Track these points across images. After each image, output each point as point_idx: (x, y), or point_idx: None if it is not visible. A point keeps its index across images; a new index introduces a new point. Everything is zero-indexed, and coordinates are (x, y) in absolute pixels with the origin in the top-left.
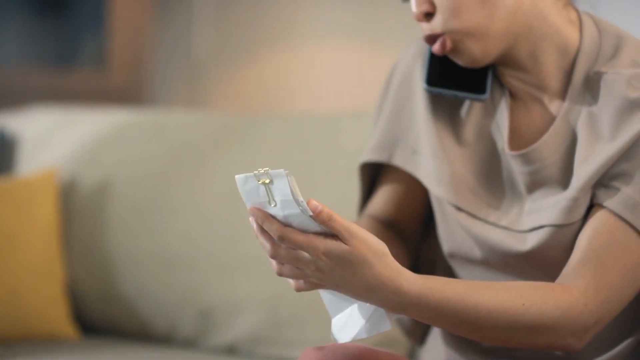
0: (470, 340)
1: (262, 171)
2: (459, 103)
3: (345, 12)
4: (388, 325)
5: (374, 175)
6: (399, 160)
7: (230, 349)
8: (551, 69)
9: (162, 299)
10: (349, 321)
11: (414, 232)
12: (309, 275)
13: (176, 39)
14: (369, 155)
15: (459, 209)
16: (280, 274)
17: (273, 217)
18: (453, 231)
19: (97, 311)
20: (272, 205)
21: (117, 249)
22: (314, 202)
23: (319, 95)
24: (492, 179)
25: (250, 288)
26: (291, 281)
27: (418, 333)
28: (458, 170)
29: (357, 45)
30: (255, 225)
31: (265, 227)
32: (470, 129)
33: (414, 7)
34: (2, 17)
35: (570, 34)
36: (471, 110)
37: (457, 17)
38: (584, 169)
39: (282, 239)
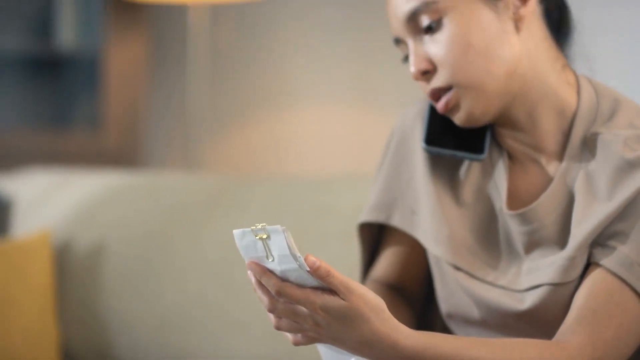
0: None
1: (260, 227)
2: (458, 163)
3: (339, 74)
4: None
5: (375, 235)
6: (397, 221)
7: None
8: (549, 130)
9: None
10: None
11: (418, 294)
12: (307, 330)
13: (171, 101)
14: (368, 215)
15: (457, 268)
16: (278, 328)
17: (271, 271)
18: (451, 291)
19: None
20: (270, 260)
21: (112, 310)
22: (312, 258)
23: (313, 157)
24: (490, 239)
25: (245, 350)
26: (289, 335)
27: None
28: (456, 230)
29: (350, 108)
30: (253, 280)
31: (263, 282)
32: (468, 189)
33: (412, 66)
34: None
35: (568, 96)
36: (470, 170)
37: (460, 71)
38: (581, 229)
39: (279, 293)
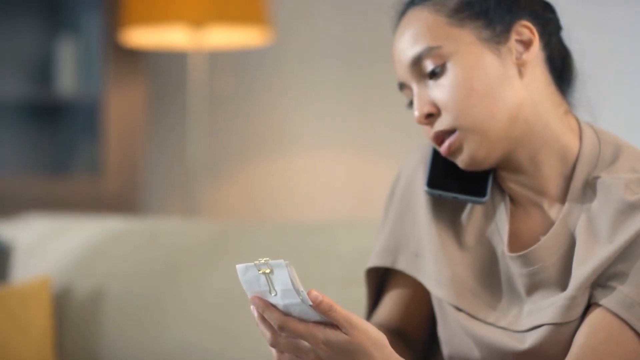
0: None
1: (263, 261)
2: (461, 207)
3: (337, 120)
4: None
5: (381, 280)
6: (402, 265)
7: None
8: (551, 175)
9: None
10: None
11: (421, 337)
12: None
13: (169, 147)
14: (375, 260)
15: (458, 309)
16: None
17: (273, 306)
18: (453, 332)
19: None
20: (273, 295)
21: (111, 357)
22: (315, 292)
23: (311, 202)
24: (492, 281)
25: None
26: None
27: None
28: (459, 273)
29: (348, 154)
30: (255, 314)
31: (266, 316)
32: (471, 232)
33: (415, 110)
34: None
35: (570, 141)
36: (472, 213)
37: (464, 115)
38: (582, 270)
39: (282, 328)
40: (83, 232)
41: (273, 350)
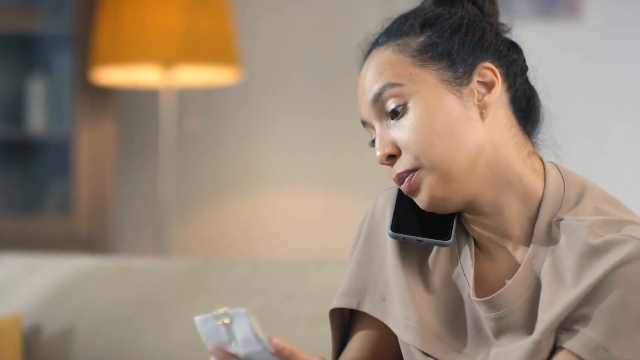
0: None
1: (222, 311)
2: (427, 250)
3: (307, 157)
4: None
5: (347, 320)
6: (368, 307)
7: None
8: (515, 217)
9: None
10: None
11: None
12: None
13: (140, 185)
14: (339, 301)
15: (426, 354)
16: None
17: (234, 356)
18: None
19: None
20: (233, 345)
21: None
22: (275, 340)
23: (281, 240)
24: (458, 325)
25: None
26: None
27: None
28: (425, 317)
29: (319, 192)
30: None
31: None
32: (437, 275)
33: (377, 150)
34: None
35: (534, 183)
36: (438, 257)
37: (424, 154)
38: (548, 314)
39: None
40: (53, 270)
41: None
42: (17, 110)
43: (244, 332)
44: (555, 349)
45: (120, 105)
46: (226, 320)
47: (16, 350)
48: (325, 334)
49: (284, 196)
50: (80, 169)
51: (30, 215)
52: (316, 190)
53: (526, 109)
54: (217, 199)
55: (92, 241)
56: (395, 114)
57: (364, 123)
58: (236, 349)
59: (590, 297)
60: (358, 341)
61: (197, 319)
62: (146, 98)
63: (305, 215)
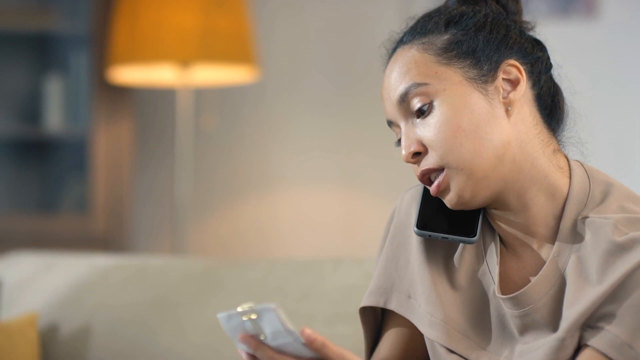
0: None
1: (247, 307)
2: (453, 248)
3: (324, 157)
4: None
5: (378, 318)
6: (394, 305)
7: None
8: (540, 214)
9: None
10: None
11: None
12: None
13: (157, 184)
14: (367, 299)
15: (450, 351)
16: None
17: (265, 344)
18: None
19: None
20: (262, 337)
21: None
22: (308, 331)
23: (298, 239)
24: (483, 322)
25: None
26: None
27: None
28: (450, 314)
29: (336, 191)
30: (244, 356)
31: (258, 355)
32: (463, 273)
33: (403, 148)
34: None
35: (559, 180)
36: (463, 254)
37: (451, 153)
38: (572, 311)
39: None
40: (70, 269)
41: None
42: (34, 109)
43: (273, 325)
44: (580, 347)
45: (137, 105)
46: (253, 316)
47: (33, 350)
48: (341, 332)
49: (300, 196)
50: (97, 168)
51: (47, 214)
52: (332, 190)
53: (551, 106)
54: (233, 199)
55: (109, 240)
56: (421, 113)
57: (389, 123)
58: (266, 341)
59: (615, 294)
60: (389, 339)
61: (220, 316)
62: (163, 97)
63: (321, 215)
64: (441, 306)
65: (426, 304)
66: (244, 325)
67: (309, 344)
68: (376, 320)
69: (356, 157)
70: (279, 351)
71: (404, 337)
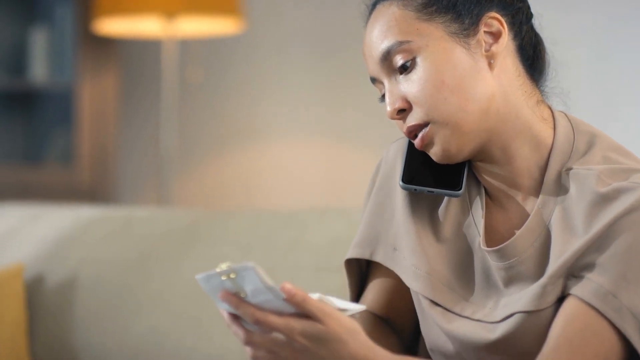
0: None
1: (225, 267)
2: (438, 200)
3: (310, 108)
4: None
5: (363, 270)
6: (379, 257)
7: None
8: (525, 165)
9: None
10: None
11: (407, 327)
12: (284, 358)
13: (142, 135)
14: (353, 251)
15: (435, 303)
16: (254, 359)
17: (245, 302)
18: (429, 326)
19: None
20: (242, 295)
21: (83, 345)
22: (288, 286)
23: (284, 191)
24: (468, 274)
25: None
26: None
27: None
28: (435, 266)
29: (321, 142)
30: (225, 315)
31: (240, 313)
32: (448, 225)
33: (387, 105)
34: None
35: (543, 131)
36: (449, 207)
37: (435, 109)
38: (557, 261)
39: (257, 322)
40: (56, 220)
41: (247, 349)
42: (19, 61)
43: (253, 283)
44: (564, 297)
45: (123, 56)
46: (232, 275)
47: (19, 300)
48: (326, 283)
49: (285, 148)
50: (82, 119)
51: (33, 166)
52: (318, 142)
53: (533, 56)
54: (219, 150)
55: (94, 191)
56: (404, 69)
57: (373, 80)
58: (246, 298)
59: (599, 244)
60: (374, 290)
61: (199, 277)
62: (148, 49)
63: (306, 167)
64: (426, 258)
65: (411, 256)
66: (224, 285)
67: (290, 298)
68: (361, 272)
69: (342, 109)
70: (260, 308)
71: (388, 288)
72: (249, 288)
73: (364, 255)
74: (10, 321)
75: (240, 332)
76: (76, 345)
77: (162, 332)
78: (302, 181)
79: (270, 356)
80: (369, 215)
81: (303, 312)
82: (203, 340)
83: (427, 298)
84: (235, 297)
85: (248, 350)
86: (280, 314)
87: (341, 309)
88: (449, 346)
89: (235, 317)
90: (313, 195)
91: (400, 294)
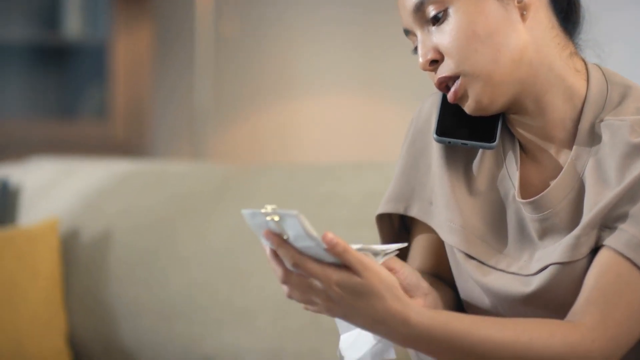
0: None
1: (270, 209)
2: (473, 154)
3: (345, 63)
4: (393, 354)
5: (395, 225)
6: (415, 212)
7: None
8: (558, 117)
9: (164, 348)
10: (357, 341)
11: (453, 280)
12: (318, 304)
13: (177, 90)
14: (386, 206)
15: (469, 257)
16: (289, 297)
17: (288, 243)
18: (464, 280)
19: None
20: (285, 237)
21: (118, 298)
22: (330, 236)
23: (318, 146)
24: (502, 228)
25: (251, 339)
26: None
27: None
28: (469, 220)
29: (356, 97)
30: (267, 251)
31: (280, 253)
32: (482, 179)
33: (420, 56)
34: (4, 68)
35: (576, 83)
36: (483, 160)
37: (467, 60)
38: (590, 212)
39: (296, 265)
40: (90, 174)
41: (284, 287)
42: (53, 15)
43: (295, 230)
44: (598, 248)
45: (157, 9)
46: (275, 218)
47: (54, 254)
48: (361, 238)
49: (321, 102)
50: (117, 73)
51: (67, 120)
52: (353, 95)
53: (567, 9)
54: (254, 104)
55: (129, 146)
56: (436, 20)
57: (406, 32)
58: (289, 241)
59: (632, 194)
60: (417, 247)
61: (245, 212)
62: (183, 2)
63: (341, 121)
64: (460, 212)
65: (445, 210)
66: (268, 225)
67: (331, 248)
68: (393, 228)
69: (378, 62)
70: (300, 253)
71: (432, 244)
72: (291, 233)
73: (398, 210)
74: (46, 274)
75: (278, 270)
76: (110, 299)
77: (196, 285)
78: (337, 135)
79: (305, 298)
80: (403, 170)
81: (343, 263)
82: (237, 293)
83: (461, 251)
84: (278, 237)
85: (284, 288)
86: (319, 261)
87: (382, 250)
88: (484, 299)
89: (276, 254)
90: (348, 150)
91: (444, 248)
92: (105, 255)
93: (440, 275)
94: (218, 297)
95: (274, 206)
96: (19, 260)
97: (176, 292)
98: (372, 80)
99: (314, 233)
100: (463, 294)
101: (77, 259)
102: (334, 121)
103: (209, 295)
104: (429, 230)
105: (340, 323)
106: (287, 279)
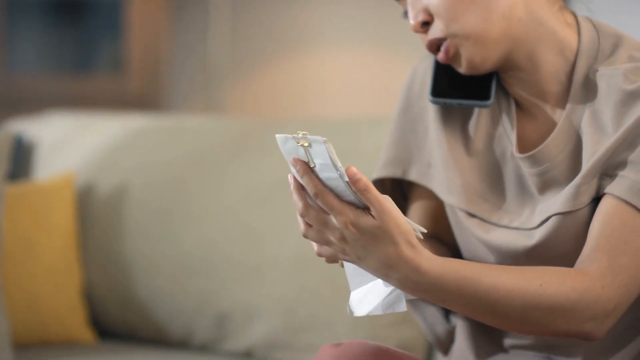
0: (494, 345)
1: (301, 135)
2: (469, 114)
3: (361, 17)
4: (404, 307)
5: (390, 189)
6: (413, 175)
7: (247, 354)
8: (551, 71)
9: (179, 304)
10: (367, 296)
11: (454, 243)
12: (332, 243)
13: (193, 44)
14: (382, 171)
15: (471, 215)
16: (305, 236)
17: (313, 172)
18: (467, 238)
19: (114, 316)
20: (312, 166)
21: (134, 254)
22: (353, 169)
23: (335, 100)
24: (501, 186)
25: (266, 293)
26: (314, 245)
27: (446, 344)
28: (468, 179)
29: (373, 51)
30: (292, 182)
31: (304, 182)
32: (479, 137)
33: (410, 18)
34: (19, 23)
35: (567, 36)
36: (480, 119)
37: (456, 20)
38: (589, 161)
39: (317, 195)
40: (106, 129)
41: (300, 222)
42: None
43: (322, 157)
44: (600, 197)
45: None
46: (305, 143)
47: (70, 209)
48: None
49: (338, 56)
50: (132, 27)
51: (82, 75)
52: (370, 50)
53: None
54: (270, 58)
55: (144, 100)
56: None
57: None
58: (314, 170)
59: (630, 141)
60: (416, 211)
61: (278, 136)
62: None
63: (358, 75)
64: (459, 172)
65: (444, 170)
66: (298, 151)
67: (353, 182)
68: (386, 192)
69: (394, 17)
70: (323, 184)
71: (431, 207)
72: (318, 161)
73: (396, 174)
74: (61, 229)
75: (299, 203)
76: (125, 254)
77: (212, 241)
78: (355, 90)
79: (319, 237)
80: (399, 134)
81: (362, 200)
82: (253, 250)
83: (463, 210)
84: (304, 164)
85: (301, 224)
86: (339, 197)
87: (335, 164)
88: (488, 257)
89: (300, 187)
90: (365, 104)
91: (442, 211)
92: (120, 209)
93: (439, 237)
94: (234, 251)
95: (305, 132)
96: (34, 215)
97: (192, 246)
98: (388, 35)
99: (339, 163)
100: (466, 253)
101: (93, 214)
102: (350, 75)
103: (224, 249)
104: (427, 194)
105: (351, 279)
106: (305, 212)
